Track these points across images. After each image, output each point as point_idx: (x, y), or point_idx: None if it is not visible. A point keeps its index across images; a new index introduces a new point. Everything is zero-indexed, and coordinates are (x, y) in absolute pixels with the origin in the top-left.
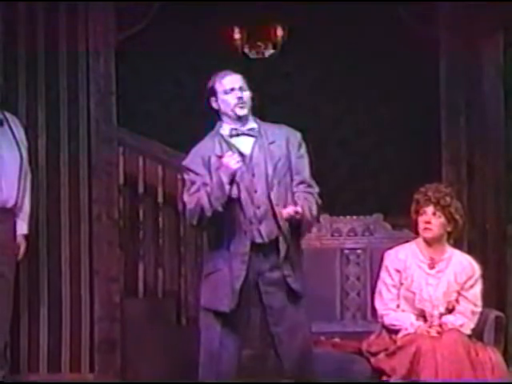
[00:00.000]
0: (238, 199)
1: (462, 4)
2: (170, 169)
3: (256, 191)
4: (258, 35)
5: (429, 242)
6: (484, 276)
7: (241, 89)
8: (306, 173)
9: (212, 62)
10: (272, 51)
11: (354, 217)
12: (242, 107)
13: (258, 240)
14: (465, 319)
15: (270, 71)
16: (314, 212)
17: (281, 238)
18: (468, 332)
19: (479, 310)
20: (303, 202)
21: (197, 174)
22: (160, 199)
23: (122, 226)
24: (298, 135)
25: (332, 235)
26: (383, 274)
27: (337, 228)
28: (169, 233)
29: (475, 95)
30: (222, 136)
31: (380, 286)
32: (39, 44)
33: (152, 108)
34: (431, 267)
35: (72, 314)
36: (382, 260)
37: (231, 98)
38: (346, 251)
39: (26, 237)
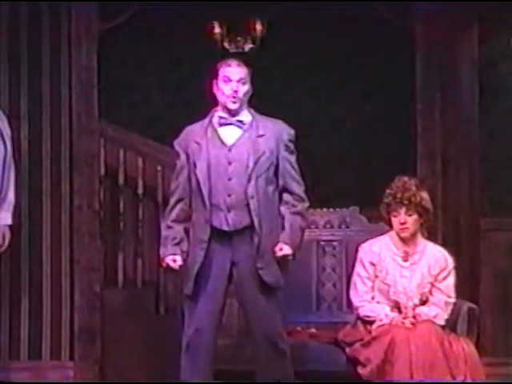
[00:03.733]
0: (208, 185)
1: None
2: (150, 161)
3: (230, 179)
4: (238, 30)
5: (405, 238)
6: (457, 268)
7: (239, 81)
8: (294, 182)
9: (193, 55)
10: (251, 46)
11: (331, 209)
12: (234, 102)
13: (225, 228)
14: (438, 310)
15: (250, 65)
16: (299, 241)
17: (255, 228)
18: (442, 323)
19: (452, 301)
20: (290, 234)
21: (178, 155)
22: (140, 191)
23: (102, 216)
24: (292, 132)
25: (309, 227)
26: (358, 267)
27: (313, 220)
28: (148, 224)
29: (450, 89)
30: (211, 123)
31: (355, 278)
32: (22, 36)
33: (134, 100)
34: (405, 260)
35: (53, 303)
36: (357, 252)
37: (226, 89)
38: (323, 243)
39: (10, 227)
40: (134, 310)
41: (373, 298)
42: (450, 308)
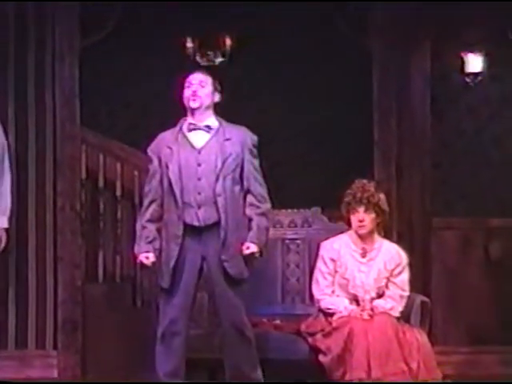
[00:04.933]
0: (180, 185)
1: (394, 16)
2: (128, 165)
3: (200, 179)
4: (209, 45)
5: (362, 236)
6: (411, 264)
7: (199, 84)
8: (258, 183)
9: (167, 68)
10: (221, 59)
11: (295, 210)
12: (194, 100)
13: (196, 223)
14: (394, 303)
15: (220, 77)
16: (265, 240)
17: (222, 223)
18: (397, 314)
19: (407, 294)
20: (257, 233)
21: (151, 161)
22: (118, 193)
23: (83, 216)
24: (254, 138)
25: (274, 226)
26: (319, 263)
27: (278, 220)
28: (126, 223)
29: (405, 100)
30: (181, 130)
31: (316, 274)
32: (10, 50)
33: (113, 109)
34: (363, 256)
35: (38, 297)
36: (318, 249)
37: (187, 92)
38: (287, 241)
39: (6, 230)
40: (113, 303)
41: (333, 291)
42: (404, 301)
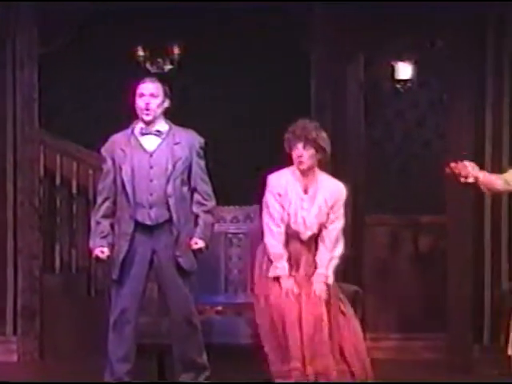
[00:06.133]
0: (132, 186)
1: (330, 24)
2: (83, 165)
3: (151, 181)
4: (158, 53)
5: (302, 171)
6: (345, 257)
7: (151, 95)
8: (204, 183)
9: (120, 74)
10: (170, 66)
11: (237, 207)
12: (147, 114)
13: (148, 222)
14: (329, 269)
15: (169, 83)
16: (210, 235)
17: (174, 222)
18: (330, 281)
19: (338, 254)
20: (204, 230)
21: (105, 161)
22: (74, 190)
23: (41, 212)
24: (202, 141)
25: (218, 222)
26: (268, 198)
27: (222, 216)
28: (81, 218)
29: (340, 104)
30: (133, 133)
31: (266, 210)
32: None
33: (69, 112)
34: (305, 192)
35: None
36: (257, 244)
37: (140, 103)
38: (230, 235)
39: None
40: (69, 292)
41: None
42: (336, 262)
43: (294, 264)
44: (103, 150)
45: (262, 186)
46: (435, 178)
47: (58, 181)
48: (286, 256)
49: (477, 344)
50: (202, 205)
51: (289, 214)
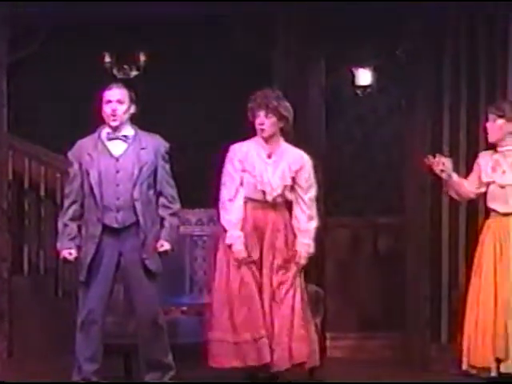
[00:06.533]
0: (100, 190)
1: (293, 31)
2: (51, 169)
3: (118, 185)
4: (125, 59)
5: (265, 139)
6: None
7: (118, 102)
8: (169, 186)
9: (87, 80)
10: (136, 72)
11: (201, 209)
12: (114, 120)
13: (115, 225)
14: (307, 246)
15: (135, 89)
16: (175, 237)
17: (141, 225)
18: (311, 250)
19: (314, 225)
20: (170, 232)
21: (72, 164)
22: (42, 193)
23: (10, 214)
24: (167, 145)
25: (183, 224)
26: (228, 165)
27: (187, 219)
28: (49, 221)
29: (302, 108)
30: (100, 138)
31: (224, 177)
32: None
33: (37, 117)
34: (269, 157)
35: None
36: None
37: (107, 109)
38: (195, 237)
39: None
40: (37, 293)
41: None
42: (313, 232)
43: (258, 233)
44: (70, 154)
45: (224, 156)
46: (394, 180)
47: (26, 184)
48: (239, 224)
49: (434, 343)
50: (168, 208)
51: (254, 177)
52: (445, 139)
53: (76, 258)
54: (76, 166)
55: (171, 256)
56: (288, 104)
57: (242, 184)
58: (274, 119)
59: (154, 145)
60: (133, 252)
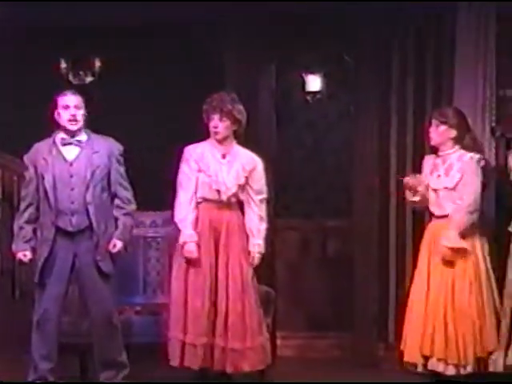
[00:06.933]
0: (54, 195)
1: (244, 37)
2: (8, 171)
3: (72, 189)
4: (80, 66)
5: (218, 141)
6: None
7: (75, 107)
8: (123, 188)
9: (44, 86)
10: (91, 78)
11: (156, 211)
12: (74, 124)
13: (69, 229)
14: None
15: (90, 95)
16: (129, 237)
17: (94, 228)
18: (262, 250)
19: (265, 226)
20: (123, 232)
21: (27, 168)
22: None
23: None
24: (120, 148)
25: (137, 226)
26: (183, 166)
27: (141, 221)
28: (6, 223)
29: (252, 113)
30: (55, 143)
31: (180, 176)
32: None
33: None
34: (223, 157)
35: None
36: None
37: (66, 115)
38: (149, 239)
39: None
40: None
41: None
42: (264, 232)
43: (214, 233)
44: (26, 158)
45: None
46: (343, 184)
47: None
48: (193, 224)
49: (382, 342)
50: (122, 208)
51: (209, 176)
52: (392, 142)
53: (31, 260)
54: (31, 169)
55: (125, 257)
56: (242, 107)
57: (197, 184)
58: (228, 122)
59: (108, 148)
60: (87, 254)
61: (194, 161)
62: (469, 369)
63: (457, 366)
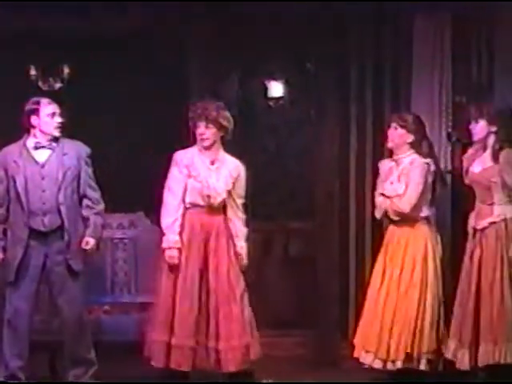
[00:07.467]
0: (26, 196)
1: (206, 45)
2: None
3: (44, 191)
4: (50, 72)
5: (206, 148)
6: None
7: (60, 115)
8: (92, 189)
9: (13, 92)
10: (60, 85)
11: (123, 214)
12: (61, 130)
13: (42, 229)
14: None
15: (59, 101)
16: (100, 235)
17: (66, 227)
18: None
19: (246, 230)
20: (94, 230)
21: None
22: None
23: None
24: (88, 151)
25: (105, 228)
26: (173, 170)
27: (109, 223)
28: None
29: None
30: (25, 146)
31: (169, 181)
32: None
33: None
34: (212, 164)
35: None
36: (143, 248)
37: (53, 122)
38: (116, 241)
39: None
40: None
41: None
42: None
43: (203, 238)
44: None
45: (168, 164)
46: (304, 187)
47: None
48: (179, 229)
49: (344, 341)
50: (92, 208)
51: (200, 182)
52: (352, 147)
53: (2, 260)
54: (1, 171)
55: (92, 258)
56: (228, 114)
57: (185, 190)
58: (214, 130)
59: (76, 150)
60: (58, 254)
61: (185, 166)
62: (398, 364)
63: (385, 361)
